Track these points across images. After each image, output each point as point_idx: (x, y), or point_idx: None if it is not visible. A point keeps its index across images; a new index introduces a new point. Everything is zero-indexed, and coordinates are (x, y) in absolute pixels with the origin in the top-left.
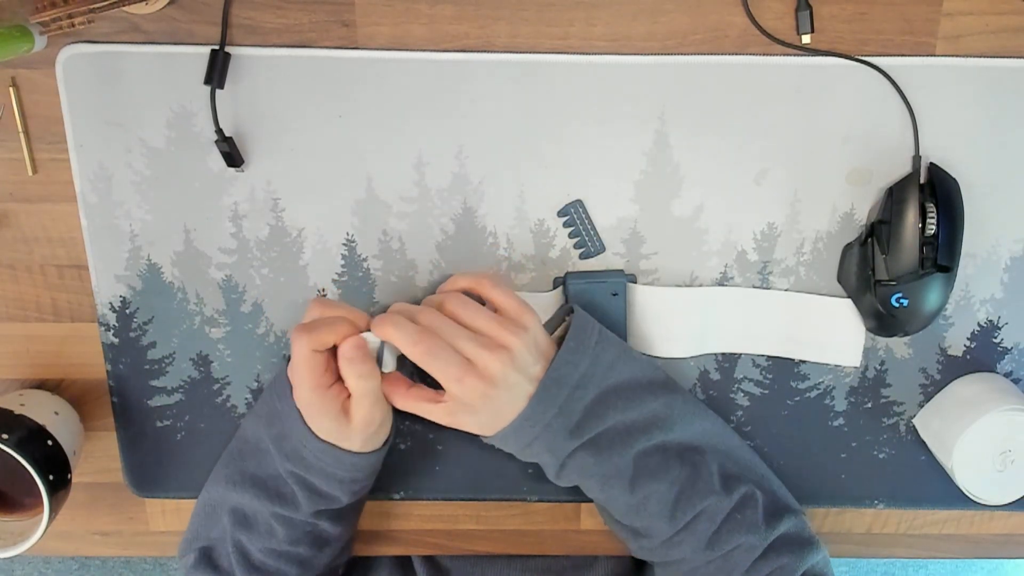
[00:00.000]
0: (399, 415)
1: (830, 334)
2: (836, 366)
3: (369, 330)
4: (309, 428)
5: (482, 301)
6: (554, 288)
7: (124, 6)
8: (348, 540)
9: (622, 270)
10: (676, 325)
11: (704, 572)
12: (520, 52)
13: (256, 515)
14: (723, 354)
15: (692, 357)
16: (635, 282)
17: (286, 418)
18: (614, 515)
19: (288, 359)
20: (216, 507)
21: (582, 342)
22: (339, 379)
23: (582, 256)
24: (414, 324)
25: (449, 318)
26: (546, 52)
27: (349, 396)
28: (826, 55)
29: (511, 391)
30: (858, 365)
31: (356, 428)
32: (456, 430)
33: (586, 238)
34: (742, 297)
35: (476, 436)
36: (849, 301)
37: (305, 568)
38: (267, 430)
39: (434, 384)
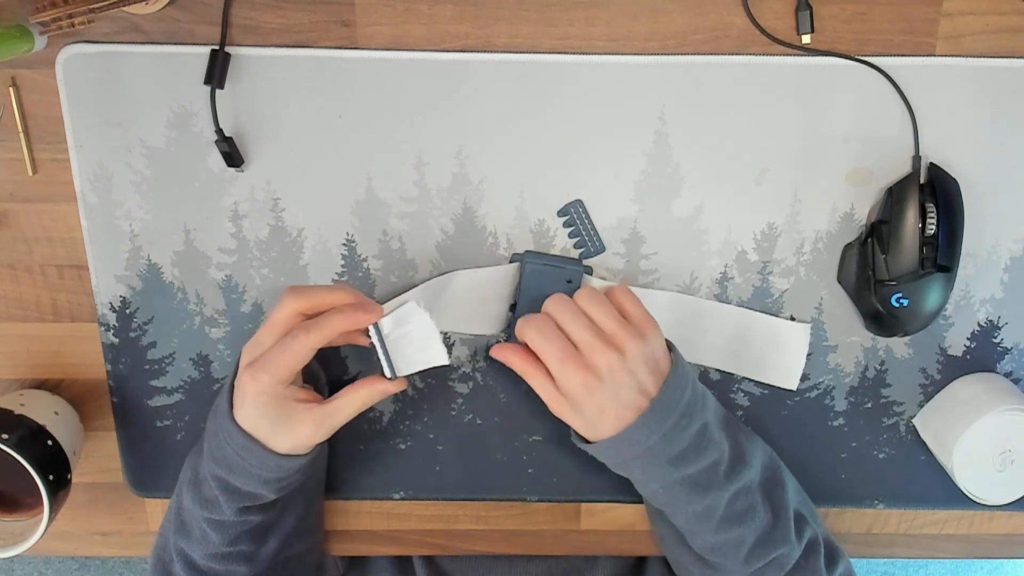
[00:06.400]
0: (399, 415)
1: (772, 355)
2: (835, 372)
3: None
4: (236, 423)
5: None
6: (511, 263)
7: (124, 6)
8: (299, 527)
9: (580, 260)
10: None
11: None
12: (520, 52)
13: (191, 521)
14: None
15: None
16: (591, 274)
17: (219, 413)
18: (691, 544)
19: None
20: (170, 506)
21: (685, 368)
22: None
23: (582, 256)
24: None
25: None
26: (546, 52)
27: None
28: (826, 55)
29: (617, 393)
30: (794, 389)
31: (318, 436)
32: (456, 430)
33: (586, 238)
34: (684, 305)
35: (476, 436)
36: (796, 325)
37: (252, 562)
38: (208, 424)
39: None
